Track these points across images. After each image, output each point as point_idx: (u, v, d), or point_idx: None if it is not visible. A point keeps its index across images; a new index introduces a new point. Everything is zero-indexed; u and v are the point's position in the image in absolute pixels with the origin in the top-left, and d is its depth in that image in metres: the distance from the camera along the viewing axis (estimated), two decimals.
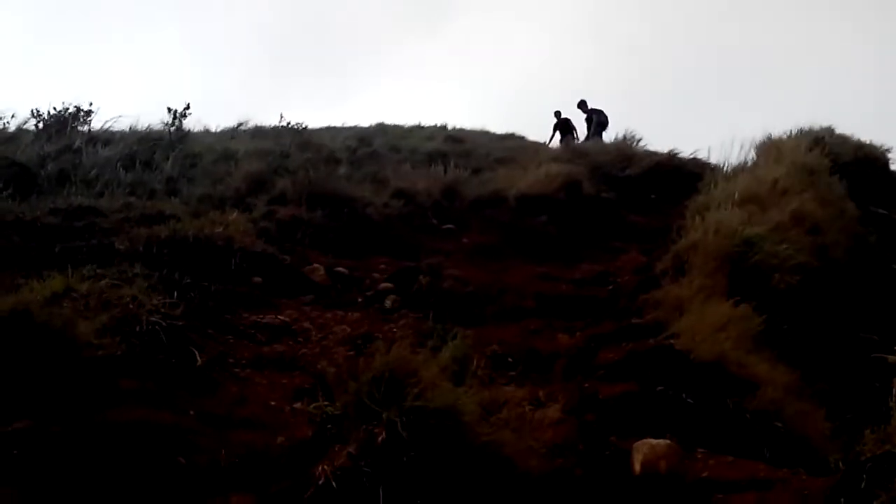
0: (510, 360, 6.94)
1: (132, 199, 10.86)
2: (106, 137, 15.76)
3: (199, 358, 5.96)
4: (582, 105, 21.83)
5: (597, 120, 20.94)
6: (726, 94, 68.26)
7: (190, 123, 17.61)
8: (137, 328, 5.76)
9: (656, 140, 17.80)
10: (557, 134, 22.28)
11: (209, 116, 24.78)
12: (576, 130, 22.00)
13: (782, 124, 13.77)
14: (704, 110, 63.02)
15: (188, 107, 16.70)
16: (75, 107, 16.25)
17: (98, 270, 6.78)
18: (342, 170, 14.39)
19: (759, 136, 13.19)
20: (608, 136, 20.27)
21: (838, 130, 13.69)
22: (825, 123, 13.74)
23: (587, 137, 20.90)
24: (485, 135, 24.39)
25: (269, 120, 20.85)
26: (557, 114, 22.41)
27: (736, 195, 9.20)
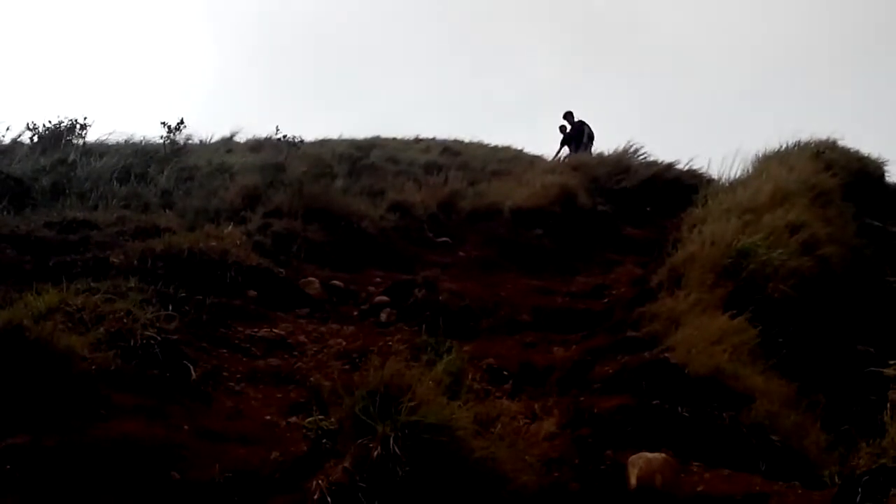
0: (505, 373, 6.94)
1: (127, 212, 10.84)
2: (101, 150, 15.76)
3: (193, 372, 5.95)
4: (568, 116, 20.76)
5: (587, 132, 20.47)
6: (727, 102, 68.24)
7: (187, 136, 17.71)
8: (132, 342, 5.75)
9: (659, 152, 17.61)
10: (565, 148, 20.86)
11: (205, 128, 24.71)
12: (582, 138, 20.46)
13: (784, 136, 13.74)
14: (705, 119, 62.97)
15: (182, 121, 16.79)
16: (70, 120, 16.29)
17: (92, 284, 6.77)
18: (338, 182, 14.37)
19: (759, 147, 13.23)
20: (596, 148, 19.89)
21: (840, 142, 13.73)
22: (826, 136, 13.78)
23: (574, 150, 20.33)
24: (481, 147, 24.39)
25: (266, 132, 20.81)
26: (569, 115, 20.80)
27: (733, 207, 9.22)
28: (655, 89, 66.70)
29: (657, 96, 65.97)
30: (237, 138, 21.26)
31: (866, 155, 13.75)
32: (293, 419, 5.57)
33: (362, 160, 18.43)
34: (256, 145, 20.19)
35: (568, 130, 20.68)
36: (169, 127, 16.60)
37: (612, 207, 14.17)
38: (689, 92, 70.06)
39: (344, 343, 7.38)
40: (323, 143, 21.41)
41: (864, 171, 13.05)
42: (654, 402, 5.50)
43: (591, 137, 20.33)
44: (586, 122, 20.58)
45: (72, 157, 14.05)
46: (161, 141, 16.64)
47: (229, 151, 18.91)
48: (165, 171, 14.08)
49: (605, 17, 78.47)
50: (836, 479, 4.41)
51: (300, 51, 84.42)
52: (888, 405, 4.24)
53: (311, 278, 9.16)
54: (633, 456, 4.82)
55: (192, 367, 6.00)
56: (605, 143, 19.48)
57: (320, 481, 4.14)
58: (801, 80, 69.42)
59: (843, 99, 62.81)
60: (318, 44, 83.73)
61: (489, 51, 76.79)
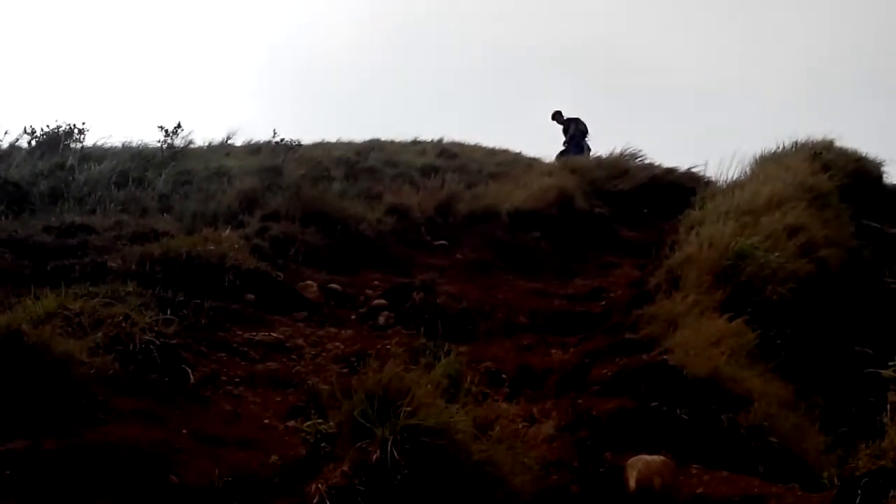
0: (503, 376, 6.95)
1: (125, 216, 10.83)
2: (99, 154, 15.76)
3: (191, 376, 5.96)
4: (557, 116, 20.47)
5: (576, 129, 20.18)
6: (722, 104, 68.14)
7: (184, 139, 17.71)
8: (130, 346, 5.75)
9: (657, 157, 17.53)
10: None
11: (203, 132, 24.68)
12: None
13: (781, 137, 13.76)
14: (701, 121, 62.90)
15: (179, 125, 16.81)
16: (68, 124, 16.28)
17: (91, 288, 6.78)
18: (336, 186, 14.36)
19: (757, 149, 13.25)
20: (594, 146, 19.73)
21: (837, 143, 13.73)
22: (824, 137, 13.77)
23: (567, 148, 20.16)
24: (479, 149, 24.34)
25: (264, 135, 20.78)
26: (558, 115, 20.47)
27: (730, 209, 9.23)
28: (657, 106, 66.37)
29: (659, 112, 65.65)
30: (235, 142, 21.26)
31: (864, 155, 13.75)
32: (292, 423, 5.57)
33: (360, 163, 18.42)
34: (254, 149, 20.17)
35: (562, 130, 20.52)
36: (166, 131, 16.59)
37: (609, 210, 14.17)
38: (689, 102, 69.81)
39: (342, 346, 7.39)
40: (320, 146, 21.39)
41: (861, 171, 13.05)
42: (653, 404, 5.50)
43: (583, 133, 20.14)
44: (577, 118, 20.40)
45: (70, 161, 14.04)
46: (158, 145, 16.64)
47: (227, 155, 18.89)
48: (163, 175, 14.07)
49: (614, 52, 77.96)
50: (836, 481, 4.41)
51: (299, 53, 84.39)
52: (887, 407, 4.25)
53: (308, 282, 9.16)
54: (632, 458, 4.82)
55: (190, 371, 6.01)
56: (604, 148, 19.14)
57: (319, 485, 4.14)
58: (801, 82, 69.40)
59: (844, 99, 62.82)
60: (319, 46, 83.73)
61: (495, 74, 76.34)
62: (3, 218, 10.26)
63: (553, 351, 7.71)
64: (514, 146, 24.80)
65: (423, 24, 79.97)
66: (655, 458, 4.79)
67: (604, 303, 9.27)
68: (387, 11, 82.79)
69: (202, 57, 78.24)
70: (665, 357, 6.18)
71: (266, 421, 5.71)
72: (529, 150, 23.30)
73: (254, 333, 7.46)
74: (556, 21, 78.15)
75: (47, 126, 16.16)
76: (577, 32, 79.52)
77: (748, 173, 12.10)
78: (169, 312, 6.72)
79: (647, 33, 78.08)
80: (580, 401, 6.04)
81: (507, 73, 72.95)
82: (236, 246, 9.04)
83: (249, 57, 79.99)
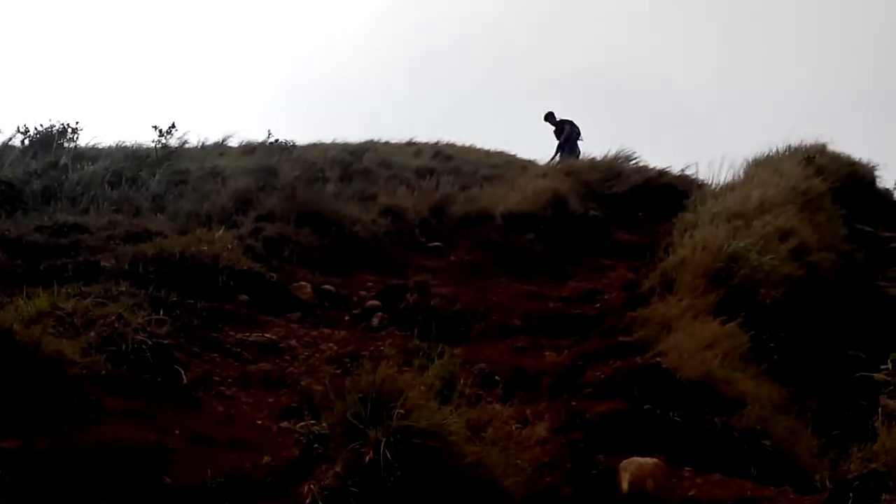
0: (497, 378, 6.94)
1: (118, 216, 10.80)
2: (92, 154, 15.71)
3: (184, 376, 5.94)
4: (550, 117, 20.31)
5: (569, 131, 19.91)
6: (717, 106, 68.10)
7: (179, 139, 17.67)
8: (123, 346, 5.75)
9: (652, 160, 17.53)
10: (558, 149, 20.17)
11: (197, 132, 24.56)
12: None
13: (774, 140, 13.80)
14: (696, 124, 62.90)
15: (173, 125, 16.76)
16: (62, 123, 16.22)
17: (83, 288, 6.77)
18: (330, 187, 14.33)
19: (750, 152, 13.28)
20: (586, 149, 19.63)
21: (830, 147, 13.77)
22: (817, 140, 13.81)
23: (560, 151, 19.98)
24: (473, 151, 24.35)
25: (258, 135, 20.75)
26: (550, 116, 20.33)
27: (723, 212, 9.24)
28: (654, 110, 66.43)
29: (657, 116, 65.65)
30: (229, 142, 21.22)
31: (857, 159, 13.83)
32: (285, 424, 5.56)
33: (354, 164, 18.40)
34: (249, 149, 20.14)
35: (553, 132, 20.40)
36: (160, 131, 16.54)
37: (603, 212, 14.16)
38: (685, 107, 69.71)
39: (335, 348, 7.39)
40: (315, 147, 21.35)
41: (854, 175, 13.11)
42: (646, 406, 5.50)
43: (575, 137, 20.01)
44: (570, 120, 20.27)
45: (63, 160, 13.98)
46: (153, 145, 16.60)
47: (222, 155, 18.86)
48: (157, 174, 14.02)
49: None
50: (828, 484, 4.40)
51: (297, 55, 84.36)
52: (879, 410, 4.26)
53: (302, 283, 9.14)
54: (625, 461, 4.82)
55: (183, 372, 5.99)
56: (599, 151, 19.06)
57: (312, 486, 4.13)
58: (801, 84, 69.58)
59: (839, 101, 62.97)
60: (319, 49, 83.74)
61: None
62: None
63: (547, 353, 7.71)
64: (509, 149, 24.80)
65: (429, 38, 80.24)
66: (648, 460, 4.79)
67: (598, 305, 9.27)
68: (386, 21, 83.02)
69: (199, 58, 78.19)
70: (658, 360, 6.18)
71: (259, 422, 5.70)
72: (524, 153, 23.32)
73: (247, 334, 7.45)
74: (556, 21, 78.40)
75: (41, 125, 16.09)
76: (577, 32, 79.74)
77: (741, 176, 12.11)
78: (162, 313, 6.72)
79: (646, 43, 78.31)
80: (573, 403, 6.03)
81: (509, 93, 72.98)
82: (230, 246, 9.03)
83: (247, 59, 79.95)
